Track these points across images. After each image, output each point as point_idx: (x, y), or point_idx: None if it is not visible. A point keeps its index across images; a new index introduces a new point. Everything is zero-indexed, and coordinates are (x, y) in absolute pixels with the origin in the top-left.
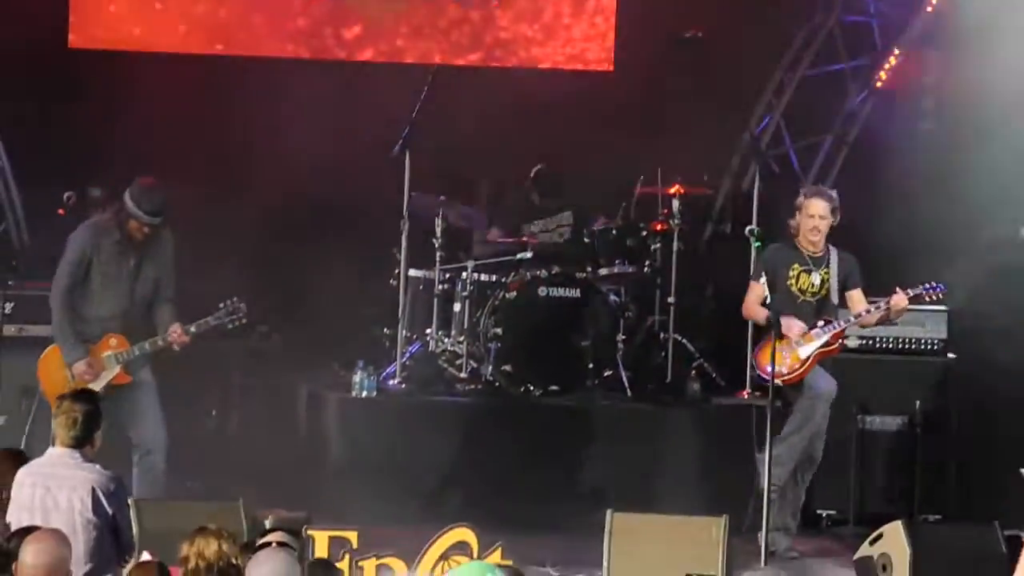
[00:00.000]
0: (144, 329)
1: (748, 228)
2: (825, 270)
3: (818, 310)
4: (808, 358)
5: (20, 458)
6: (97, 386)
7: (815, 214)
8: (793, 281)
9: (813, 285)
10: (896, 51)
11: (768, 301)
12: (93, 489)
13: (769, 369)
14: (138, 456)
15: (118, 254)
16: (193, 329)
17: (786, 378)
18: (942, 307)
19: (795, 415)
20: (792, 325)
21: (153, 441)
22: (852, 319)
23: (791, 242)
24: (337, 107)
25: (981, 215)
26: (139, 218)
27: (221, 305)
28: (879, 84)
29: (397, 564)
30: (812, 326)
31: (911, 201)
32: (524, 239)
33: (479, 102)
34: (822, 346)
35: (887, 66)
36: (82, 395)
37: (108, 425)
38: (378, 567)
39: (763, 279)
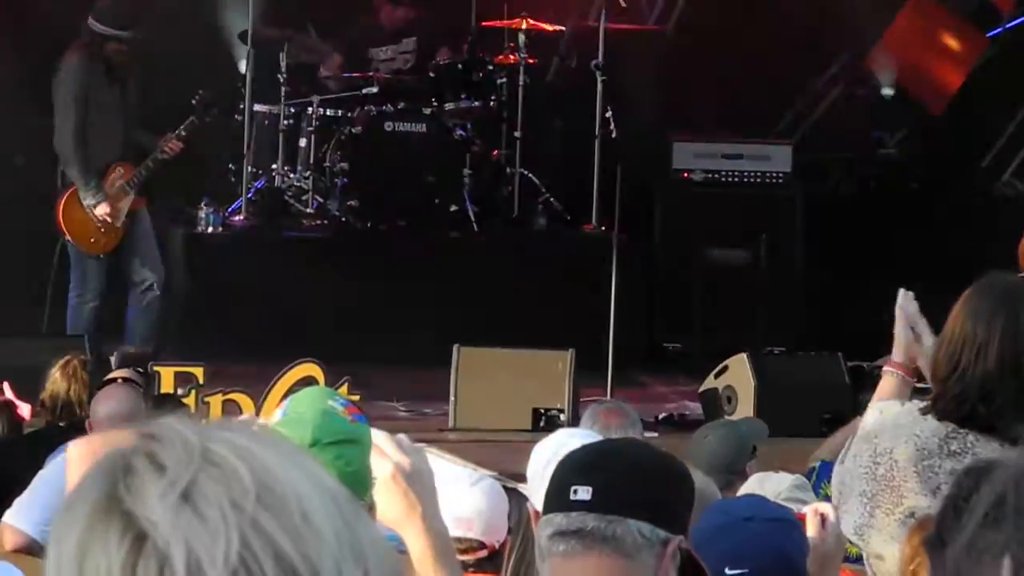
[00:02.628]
0: (132, 154)
1: (593, 63)
2: None
3: None
4: None
5: None
6: (119, 220)
7: None
8: None
9: None
10: None
11: None
12: None
13: None
14: (139, 292)
15: (107, 83)
16: (184, 133)
17: None
18: (786, 140)
19: None
20: None
21: (155, 274)
22: None
23: None
24: None
25: (824, 46)
26: (117, 36)
27: (194, 101)
28: None
29: (244, 400)
30: None
31: (753, 32)
32: (370, 74)
33: None
34: None
35: None
36: None
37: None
38: (224, 403)
39: None
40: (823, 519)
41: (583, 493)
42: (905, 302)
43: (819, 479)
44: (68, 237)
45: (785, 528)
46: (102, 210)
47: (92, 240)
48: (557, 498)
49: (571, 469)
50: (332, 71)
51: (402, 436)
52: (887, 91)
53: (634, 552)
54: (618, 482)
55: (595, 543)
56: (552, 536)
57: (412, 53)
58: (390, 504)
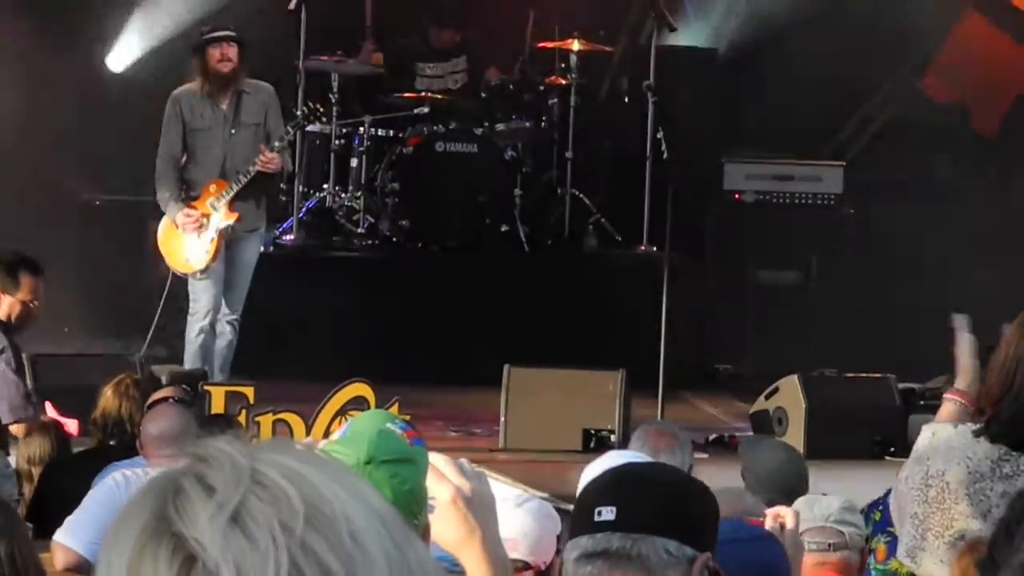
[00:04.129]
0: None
1: (645, 84)
2: None
3: None
4: None
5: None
6: (209, 235)
7: None
8: None
9: None
10: None
11: None
12: None
13: None
14: (214, 319)
15: (209, 103)
16: (277, 145)
17: None
18: (838, 161)
19: None
20: None
21: (235, 313)
22: None
23: None
24: None
25: (877, 68)
26: (214, 38)
27: (297, 112)
28: None
29: (294, 419)
30: None
31: (805, 54)
32: (421, 93)
33: None
34: None
35: None
36: None
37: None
38: (275, 422)
39: None
40: (782, 526)
41: (607, 513)
42: (961, 325)
43: (871, 507)
44: (167, 261)
45: (768, 544)
46: (180, 219)
47: (186, 260)
48: (582, 521)
49: (595, 491)
50: (367, 61)
51: (463, 460)
52: (940, 112)
53: (660, 570)
54: (642, 500)
55: (620, 562)
56: (578, 559)
57: (463, 72)
58: (449, 528)
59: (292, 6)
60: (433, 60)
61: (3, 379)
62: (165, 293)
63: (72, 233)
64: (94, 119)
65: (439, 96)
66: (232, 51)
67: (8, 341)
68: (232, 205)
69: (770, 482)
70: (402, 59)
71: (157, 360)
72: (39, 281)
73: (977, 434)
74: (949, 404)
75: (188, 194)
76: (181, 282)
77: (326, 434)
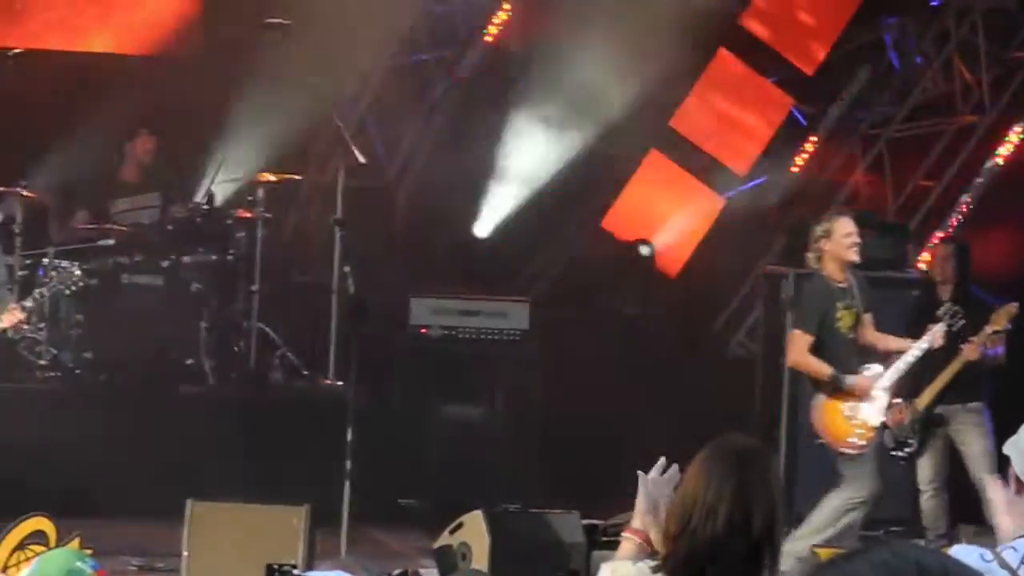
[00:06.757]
0: None
1: (333, 218)
2: None
3: None
4: None
5: None
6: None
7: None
8: None
9: None
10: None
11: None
12: None
13: None
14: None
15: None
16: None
17: None
18: (524, 298)
19: None
20: None
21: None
22: None
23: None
24: None
25: (558, 208)
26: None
27: None
28: (463, 75)
29: None
30: None
31: (493, 192)
32: (109, 225)
33: (46, 84)
34: None
35: (470, 57)
36: None
37: None
38: None
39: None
40: None
41: None
42: (653, 473)
43: None
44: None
45: None
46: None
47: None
48: None
49: None
50: (71, 224)
51: None
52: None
53: None
54: None
55: None
56: None
57: (155, 209)
58: None
59: None
60: (122, 195)
61: None
62: None
63: None
64: None
65: (124, 227)
66: None
67: None
68: None
69: None
70: (94, 200)
71: None
72: None
73: (655, 571)
74: (627, 542)
75: None
76: None
77: (4, 568)
